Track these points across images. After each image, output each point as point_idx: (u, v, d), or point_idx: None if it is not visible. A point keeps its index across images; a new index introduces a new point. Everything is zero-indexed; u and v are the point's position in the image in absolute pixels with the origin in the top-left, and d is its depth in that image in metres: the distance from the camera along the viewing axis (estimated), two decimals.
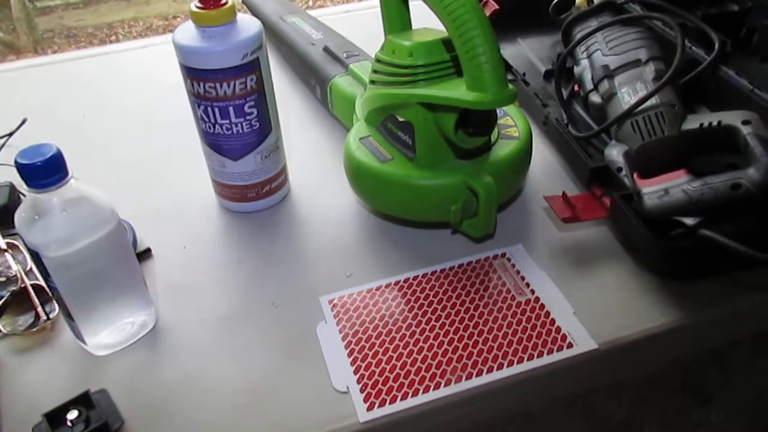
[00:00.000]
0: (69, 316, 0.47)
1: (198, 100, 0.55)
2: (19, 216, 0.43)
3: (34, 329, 0.51)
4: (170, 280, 0.56)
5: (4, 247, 0.56)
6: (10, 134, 0.72)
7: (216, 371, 0.48)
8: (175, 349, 0.50)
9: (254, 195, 0.61)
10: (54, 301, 0.52)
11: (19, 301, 0.52)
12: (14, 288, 0.53)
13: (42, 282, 0.53)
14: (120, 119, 0.79)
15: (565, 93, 0.71)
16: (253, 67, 0.54)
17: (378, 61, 0.58)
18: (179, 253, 0.59)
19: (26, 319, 0.52)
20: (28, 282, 0.53)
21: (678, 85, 0.62)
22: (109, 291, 0.48)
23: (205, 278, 0.56)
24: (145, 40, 0.98)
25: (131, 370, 0.49)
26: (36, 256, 0.43)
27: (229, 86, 0.54)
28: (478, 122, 0.53)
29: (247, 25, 0.54)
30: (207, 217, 0.63)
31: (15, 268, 0.54)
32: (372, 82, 0.59)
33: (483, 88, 0.48)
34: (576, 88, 0.71)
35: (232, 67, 0.53)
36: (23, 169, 0.41)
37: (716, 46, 0.65)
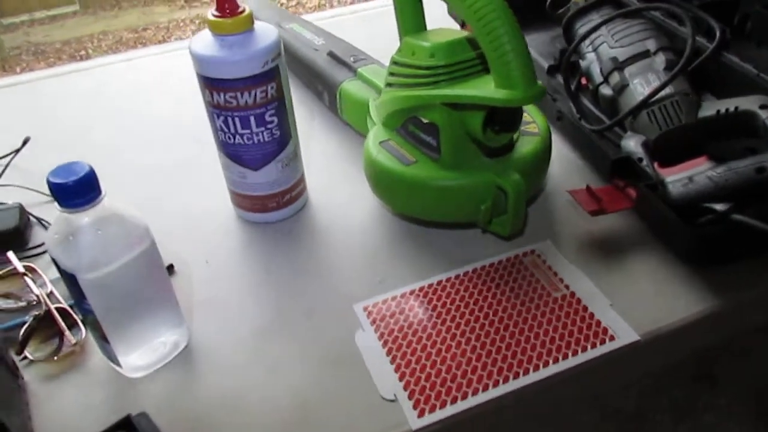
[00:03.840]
0: (104, 339, 0.46)
1: (217, 110, 0.54)
2: (52, 238, 0.42)
3: (62, 354, 0.49)
4: (197, 297, 0.55)
5: (23, 270, 0.54)
6: (16, 151, 0.70)
7: (256, 387, 0.47)
8: (211, 366, 0.49)
9: (275, 205, 0.60)
10: (81, 324, 0.50)
11: (44, 326, 0.51)
12: (38, 313, 0.51)
13: (65, 305, 0.52)
14: (125, 133, 0.76)
15: (572, 87, 0.71)
16: (273, 75, 0.53)
17: (395, 63, 0.57)
18: (202, 268, 0.57)
19: (53, 344, 0.50)
20: (51, 306, 0.51)
21: (689, 74, 0.63)
22: (143, 310, 0.47)
23: (232, 292, 0.55)
24: (155, 48, 0.95)
25: (168, 392, 0.47)
26: (71, 279, 0.42)
27: (249, 95, 0.53)
28: (505, 119, 0.53)
29: (265, 32, 0.53)
30: (226, 229, 0.61)
31: (37, 291, 0.53)
32: (389, 84, 0.58)
33: (513, 86, 0.48)
34: (583, 81, 0.71)
35: (252, 75, 0.52)
36: (56, 189, 0.40)
37: (717, 33, 0.65)
